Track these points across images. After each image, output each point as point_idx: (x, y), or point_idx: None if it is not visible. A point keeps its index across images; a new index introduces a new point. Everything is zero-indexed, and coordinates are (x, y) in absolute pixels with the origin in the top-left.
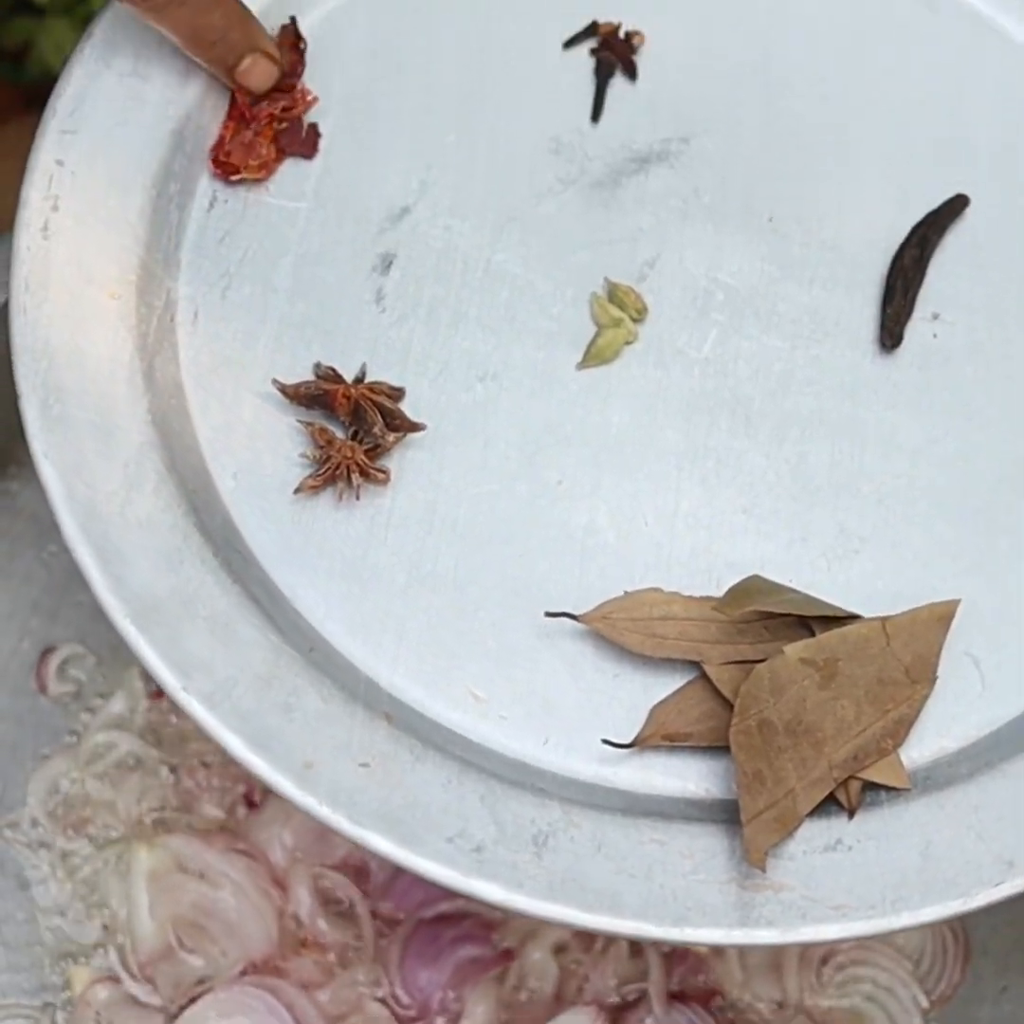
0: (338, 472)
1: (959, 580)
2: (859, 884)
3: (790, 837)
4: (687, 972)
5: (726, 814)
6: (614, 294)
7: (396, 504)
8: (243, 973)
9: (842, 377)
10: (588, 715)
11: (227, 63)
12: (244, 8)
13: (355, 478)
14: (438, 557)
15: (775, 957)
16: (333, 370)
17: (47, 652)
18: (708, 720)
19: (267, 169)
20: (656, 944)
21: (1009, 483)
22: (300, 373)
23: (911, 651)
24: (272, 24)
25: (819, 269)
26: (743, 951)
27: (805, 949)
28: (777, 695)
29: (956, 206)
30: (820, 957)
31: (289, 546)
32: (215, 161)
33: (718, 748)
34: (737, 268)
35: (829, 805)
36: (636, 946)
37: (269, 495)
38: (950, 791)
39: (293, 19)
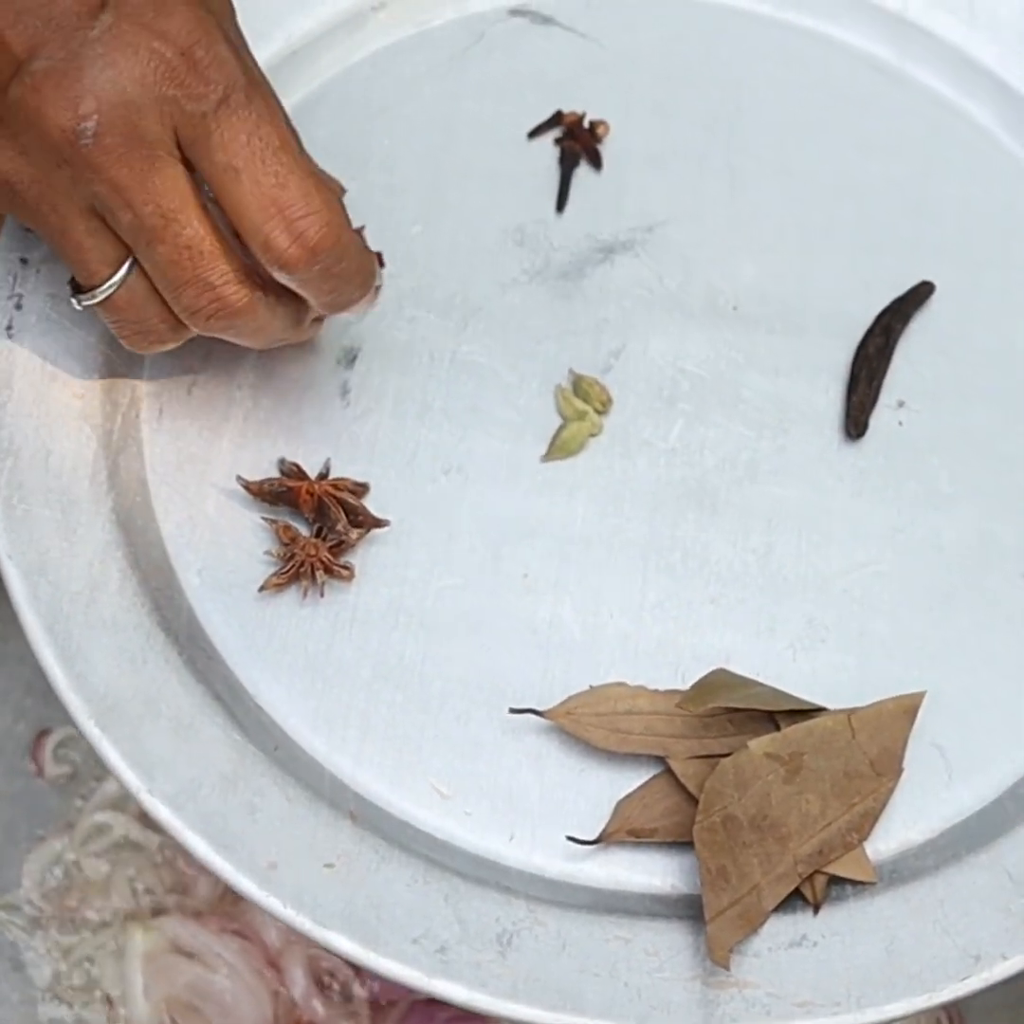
0: (302, 570)
1: (925, 669)
2: (824, 980)
3: (755, 934)
4: None
5: (691, 910)
6: (579, 386)
7: (360, 598)
8: None
9: (808, 466)
10: (553, 810)
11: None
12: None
13: (319, 575)
14: (403, 651)
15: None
16: (297, 466)
17: (42, 734)
18: (673, 815)
19: None
20: None
21: (973, 571)
22: (265, 468)
23: (877, 744)
24: None
25: (783, 357)
26: None
27: None
28: (741, 790)
29: (921, 293)
30: None
31: (253, 642)
32: None
33: (683, 843)
34: (703, 357)
35: (794, 900)
36: None
37: (233, 592)
38: (915, 884)
39: None
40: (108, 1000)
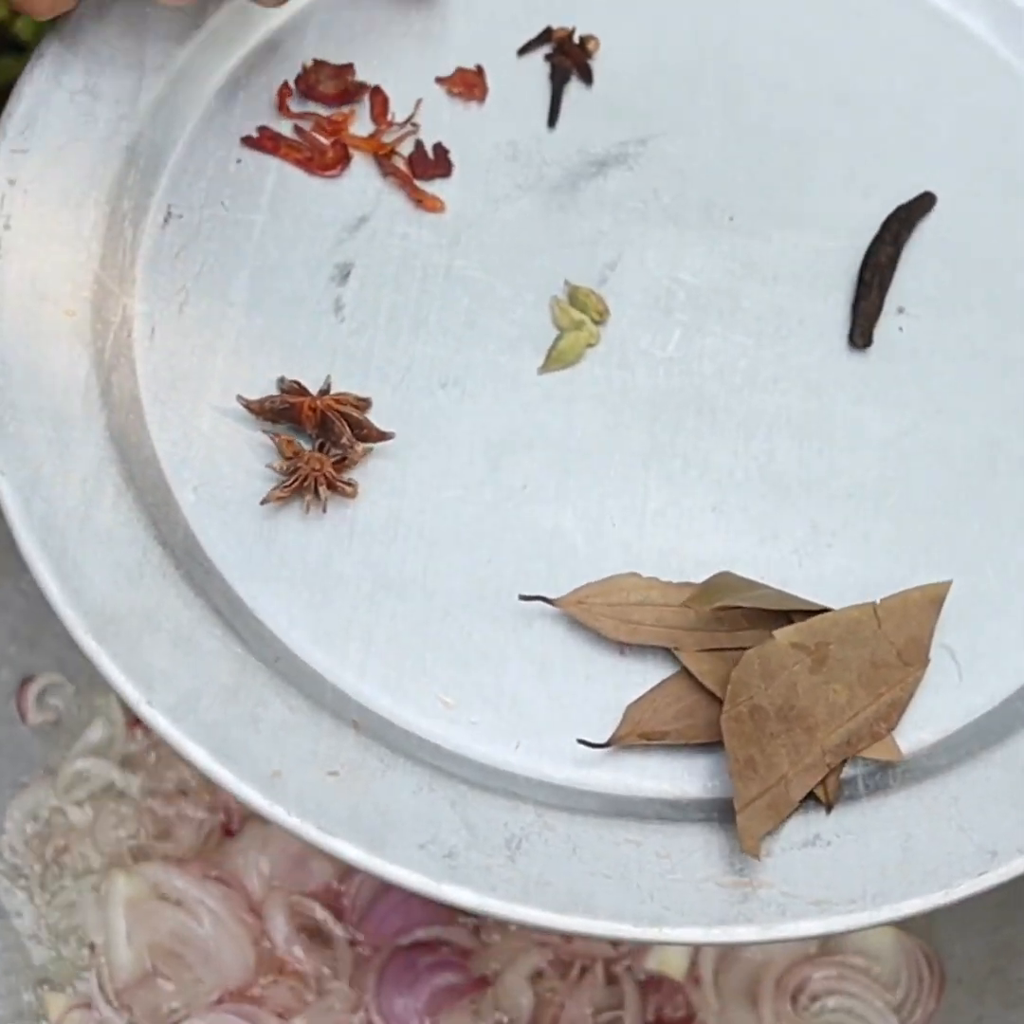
0: (306, 484)
1: (931, 572)
2: (838, 879)
3: (783, 824)
4: (663, 1000)
5: (702, 813)
6: (575, 297)
7: (360, 512)
8: (219, 1001)
9: (808, 373)
10: (560, 717)
11: None
12: None
13: (323, 490)
14: (404, 564)
15: (750, 985)
16: (297, 383)
17: (26, 681)
18: (684, 717)
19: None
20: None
21: (977, 474)
22: (260, 386)
23: (904, 633)
24: None
25: (781, 266)
26: (718, 978)
27: (780, 977)
28: (768, 680)
29: (925, 203)
30: (795, 985)
31: (251, 557)
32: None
33: (694, 746)
34: (699, 267)
35: (807, 800)
36: (612, 974)
37: (230, 507)
38: (929, 783)
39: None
40: (91, 947)
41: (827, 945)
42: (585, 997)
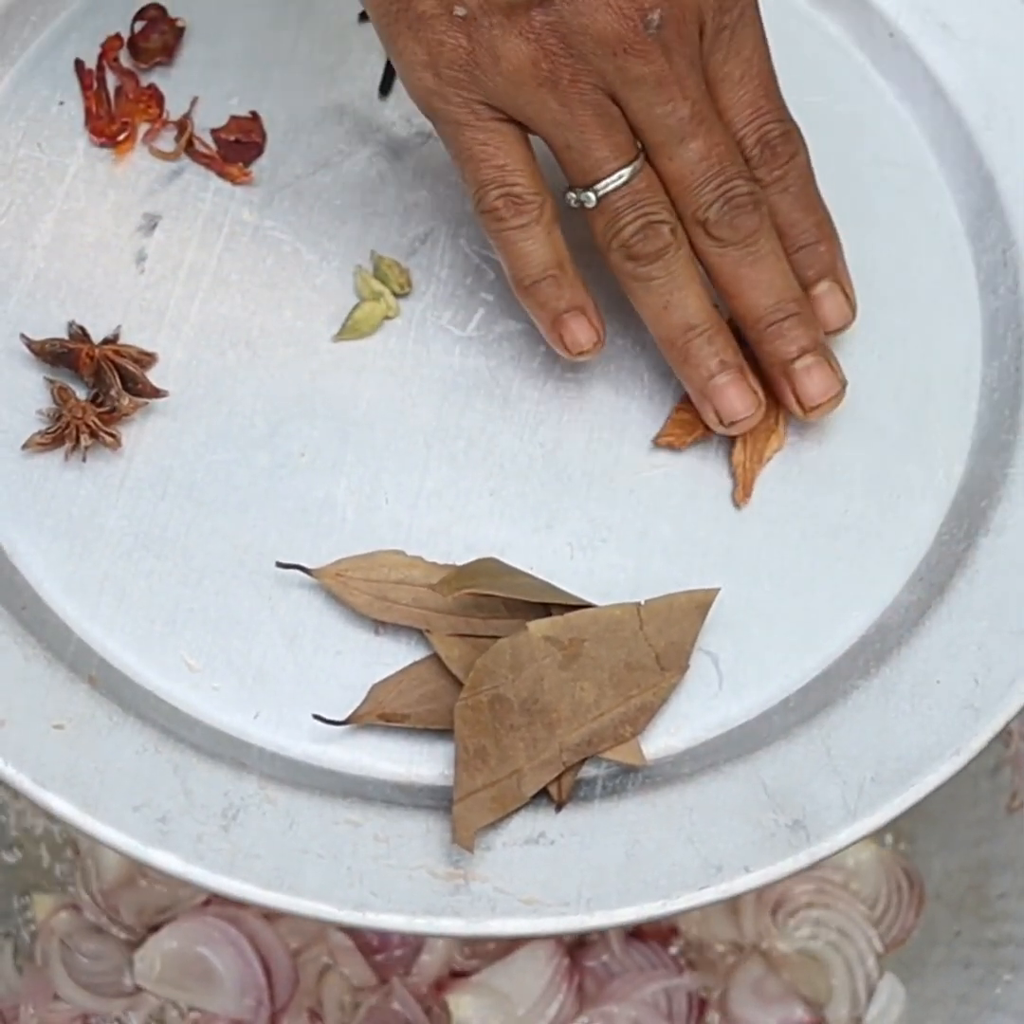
0: (68, 431)
1: (706, 577)
2: (556, 880)
3: (506, 818)
4: None
5: (431, 801)
6: (379, 267)
7: (132, 467)
8: (206, 904)
9: (606, 367)
10: (304, 691)
11: None
12: None
13: (84, 438)
14: (168, 522)
15: (732, 898)
16: (82, 329)
17: None
18: (428, 701)
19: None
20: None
21: (766, 482)
22: (51, 331)
23: (665, 637)
24: None
25: (595, 256)
26: None
27: (761, 891)
28: (516, 671)
29: None
30: (775, 899)
31: (15, 502)
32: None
33: (435, 731)
34: None
35: (538, 797)
36: None
37: (1, 450)
38: (667, 790)
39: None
40: (75, 849)
41: None
42: None
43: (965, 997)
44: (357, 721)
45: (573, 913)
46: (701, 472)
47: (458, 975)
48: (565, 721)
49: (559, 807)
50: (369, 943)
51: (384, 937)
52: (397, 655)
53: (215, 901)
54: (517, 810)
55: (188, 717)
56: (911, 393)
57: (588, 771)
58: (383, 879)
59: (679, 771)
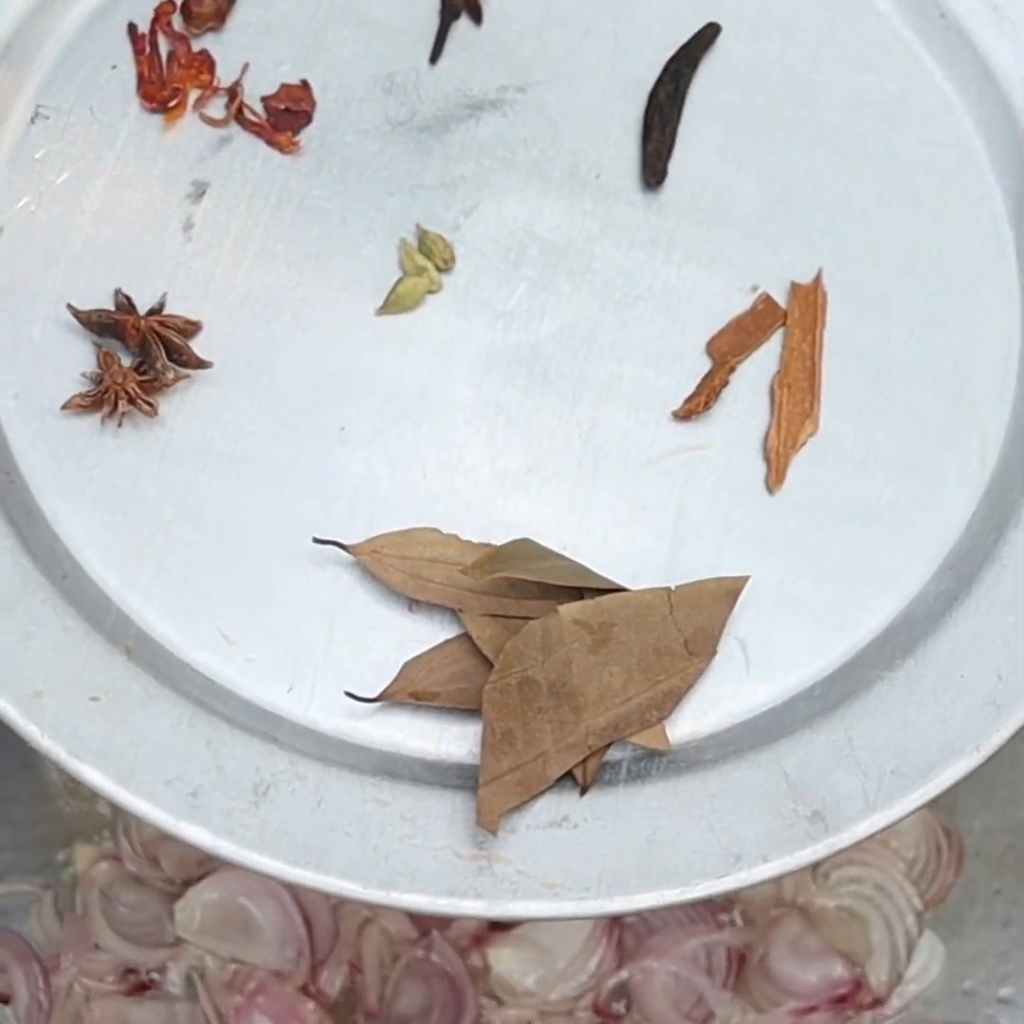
0: (106, 396)
1: (740, 562)
2: (578, 864)
3: (532, 801)
4: None
5: (459, 780)
6: (423, 241)
7: (173, 437)
8: None
9: (648, 345)
10: (337, 667)
11: None
12: None
13: (121, 404)
14: (207, 494)
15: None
16: (128, 299)
17: None
18: (459, 681)
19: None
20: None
21: (803, 465)
22: (98, 298)
23: (694, 623)
24: None
25: (640, 231)
26: None
27: None
28: (546, 654)
29: (707, 36)
30: None
31: (59, 470)
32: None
33: (465, 711)
34: (556, 223)
35: (563, 780)
36: None
37: (47, 418)
38: (689, 777)
39: None
40: None
41: None
42: None
43: (1005, 955)
44: (388, 699)
45: (593, 898)
46: (735, 456)
47: (498, 928)
48: (592, 705)
49: (583, 791)
50: None
51: None
52: (430, 633)
53: None
54: (542, 793)
55: (222, 689)
56: (948, 379)
57: (613, 755)
58: (408, 858)
59: (703, 757)
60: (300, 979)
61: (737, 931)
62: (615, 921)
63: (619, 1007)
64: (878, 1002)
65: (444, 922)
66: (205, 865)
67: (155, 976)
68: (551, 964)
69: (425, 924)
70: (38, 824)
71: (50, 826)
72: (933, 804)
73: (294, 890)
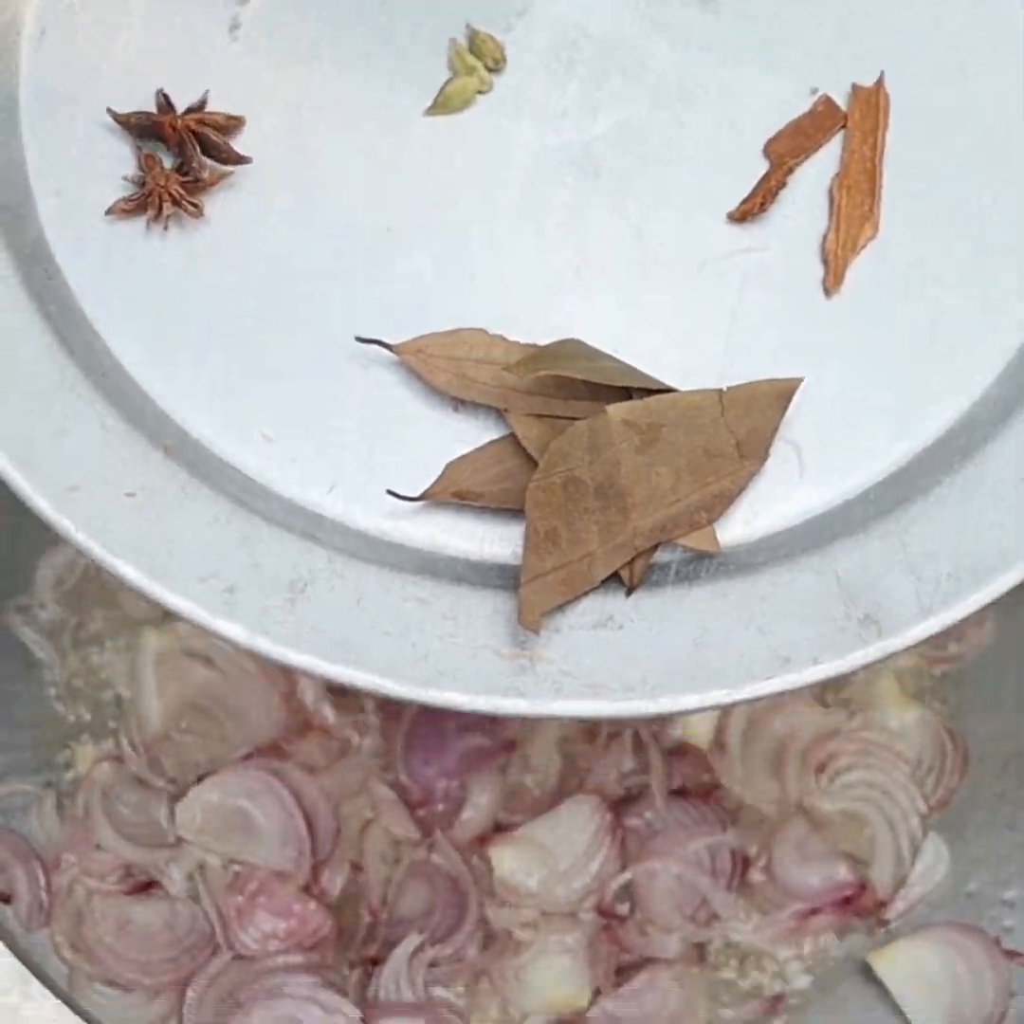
0: (151, 199)
1: (795, 364)
2: (621, 665)
3: (574, 601)
4: (688, 768)
5: (501, 580)
6: (473, 41)
7: (217, 237)
8: (248, 757)
9: (703, 145)
10: (380, 466)
11: None
12: None
13: (166, 207)
14: (250, 292)
15: (776, 757)
16: (167, 99)
17: None
18: (504, 480)
19: None
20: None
21: (854, 273)
22: (141, 100)
23: (745, 425)
24: None
25: (697, 30)
26: (744, 748)
27: (805, 750)
28: (593, 455)
29: None
30: (819, 760)
31: (100, 269)
32: None
33: (509, 511)
34: (612, 20)
35: (608, 581)
36: (639, 741)
37: (88, 218)
38: (739, 580)
39: None
40: (118, 700)
41: (850, 722)
42: (612, 763)
43: (1008, 857)
44: (431, 497)
45: (637, 698)
46: (792, 258)
47: (501, 829)
48: (640, 506)
49: (630, 591)
50: (412, 797)
51: (428, 791)
52: (474, 434)
53: (257, 754)
54: (586, 594)
55: (262, 488)
56: (1011, 188)
57: (661, 557)
58: (448, 657)
59: (753, 560)
60: (301, 879)
61: (741, 833)
62: (617, 822)
63: (623, 909)
64: (882, 905)
65: (447, 822)
66: (205, 767)
67: (157, 876)
68: (553, 865)
69: (428, 825)
70: (40, 725)
71: (50, 727)
72: (941, 704)
73: (296, 791)
